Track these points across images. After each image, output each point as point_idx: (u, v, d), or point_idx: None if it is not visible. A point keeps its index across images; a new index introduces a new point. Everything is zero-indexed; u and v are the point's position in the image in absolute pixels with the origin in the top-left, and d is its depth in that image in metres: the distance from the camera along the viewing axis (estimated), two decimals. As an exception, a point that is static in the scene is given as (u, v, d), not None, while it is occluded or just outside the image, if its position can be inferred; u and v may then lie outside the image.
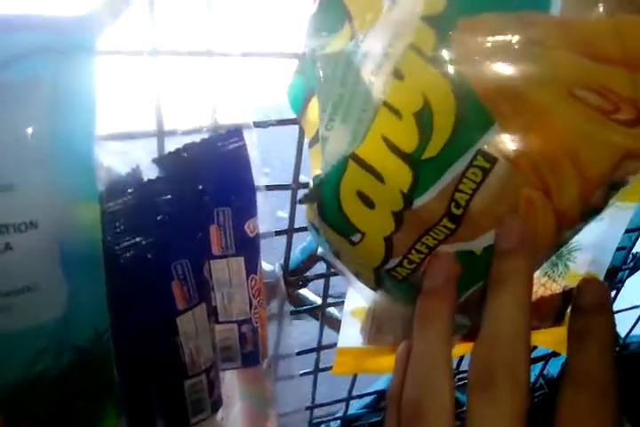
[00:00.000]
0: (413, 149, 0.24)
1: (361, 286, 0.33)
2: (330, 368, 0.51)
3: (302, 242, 0.49)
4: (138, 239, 0.28)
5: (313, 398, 0.56)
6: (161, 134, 0.29)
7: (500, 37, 0.23)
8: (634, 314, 0.73)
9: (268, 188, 0.33)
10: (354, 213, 0.27)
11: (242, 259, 0.34)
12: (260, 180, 0.32)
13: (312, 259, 0.46)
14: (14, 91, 0.21)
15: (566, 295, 0.52)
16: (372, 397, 0.64)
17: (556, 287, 0.52)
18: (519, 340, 0.22)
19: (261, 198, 0.33)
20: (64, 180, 0.23)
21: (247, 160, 0.31)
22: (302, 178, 0.36)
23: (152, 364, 0.33)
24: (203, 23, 0.27)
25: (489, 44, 0.24)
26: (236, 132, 0.30)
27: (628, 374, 0.23)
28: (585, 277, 0.27)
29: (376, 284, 0.31)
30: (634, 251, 0.65)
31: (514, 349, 0.22)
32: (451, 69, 0.23)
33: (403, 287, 0.29)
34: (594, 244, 0.50)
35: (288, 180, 0.36)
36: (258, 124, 0.31)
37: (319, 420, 0.60)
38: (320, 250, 0.43)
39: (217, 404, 0.39)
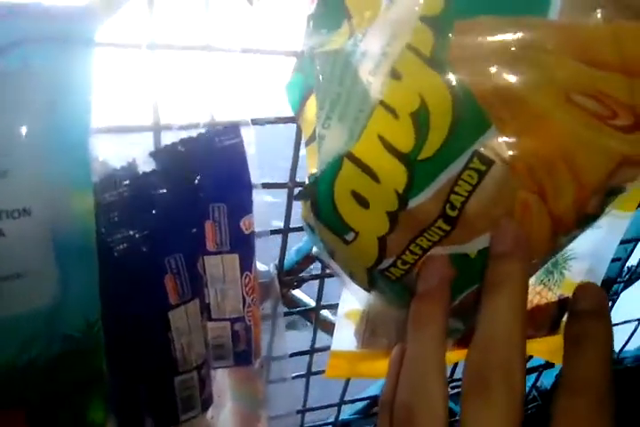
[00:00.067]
0: (409, 149, 0.24)
1: (355, 287, 0.33)
2: (323, 372, 0.51)
3: (298, 243, 0.49)
4: (132, 232, 0.28)
5: (305, 402, 0.56)
6: (157, 128, 0.29)
7: (497, 40, 0.24)
8: (628, 328, 0.73)
9: (265, 185, 0.33)
10: (348, 212, 0.27)
11: (236, 256, 0.34)
12: (256, 177, 0.33)
13: (307, 260, 0.46)
14: (10, 78, 0.21)
15: (562, 304, 0.52)
16: (364, 402, 0.63)
17: (552, 296, 0.52)
18: (514, 343, 0.22)
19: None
20: (58, 169, 0.23)
21: (244, 156, 0.31)
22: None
23: (143, 358, 0.33)
24: (202, 18, 0.27)
25: (487, 47, 0.24)
26: (233, 128, 0.30)
27: (622, 390, 0.23)
28: (581, 283, 0.27)
29: (369, 284, 0.31)
30: (629, 264, 0.65)
31: (509, 352, 0.22)
32: (448, 71, 0.24)
33: (396, 288, 0.29)
34: (590, 253, 0.50)
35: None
36: (255, 122, 0.32)
37: (310, 425, 0.60)
38: (315, 249, 0.43)
39: (207, 402, 0.39)
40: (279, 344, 0.45)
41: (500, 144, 0.23)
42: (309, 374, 0.52)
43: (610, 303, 0.66)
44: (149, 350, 0.33)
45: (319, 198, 0.28)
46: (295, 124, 0.34)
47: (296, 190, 0.35)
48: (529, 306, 0.51)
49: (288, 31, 0.30)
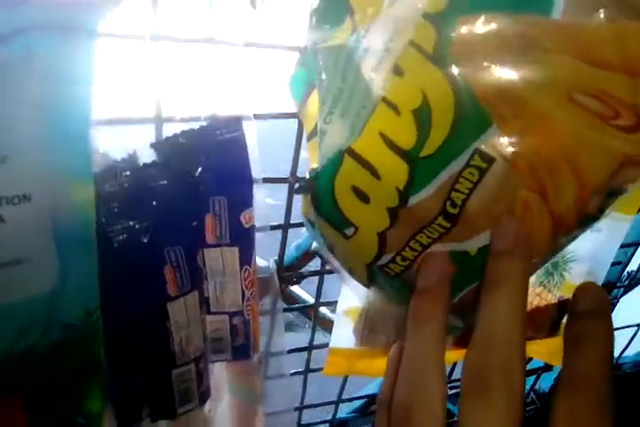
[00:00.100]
0: (411, 145, 0.25)
1: (355, 284, 0.33)
2: (321, 369, 0.51)
3: (298, 239, 0.49)
4: (132, 223, 0.29)
5: (302, 400, 0.56)
6: (159, 121, 0.30)
7: (500, 39, 0.24)
8: (627, 334, 0.73)
9: (266, 180, 0.33)
10: (348, 207, 0.27)
11: (236, 249, 0.34)
12: (257, 172, 0.33)
13: (307, 256, 0.47)
14: (12, 66, 0.21)
15: (561, 306, 0.52)
16: (362, 401, 0.63)
17: (551, 298, 0.52)
18: (514, 342, 0.22)
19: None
20: (59, 157, 0.24)
21: (245, 150, 0.31)
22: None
23: (141, 349, 0.33)
24: (206, 10, 0.27)
25: (489, 45, 0.24)
26: (235, 121, 0.30)
27: (621, 395, 0.23)
28: (583, 282, 0.27)
29: (369, 280, 0.31)
30: (629, 269, 0.65)
31: (508, 351, 0.22)
32: (451, 68, 0.24)
33: (395, 285, 0.29)
34: (590, 255, 0.50)
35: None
36: (258, 116, 0.32)
37: (308, 422, 0.60)
38: (315, 245, 0.44)
39: (205, 395, 0.39)
40: (277, 340, 0.45)
41: (502, 142, 0.23)
42: (307, 371, 0.52)
43: (609, 307, 0.66)
44: (147, 341, 0.33)
45: (319, 193, 0.28)
46: (296, 124, 0.34)
47: (297, 186, 0.36)
48: (528, 307, 0.51)
49: (291, 26, 0.30)
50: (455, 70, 0.23)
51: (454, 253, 0.26)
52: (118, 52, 0.27)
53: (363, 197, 0.27)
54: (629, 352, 0.78)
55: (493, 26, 0.24)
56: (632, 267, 0.65)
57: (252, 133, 0.31)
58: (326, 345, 0.48)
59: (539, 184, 0.23)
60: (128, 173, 0.28)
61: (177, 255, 0.31)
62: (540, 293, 0.52)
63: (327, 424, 0.61)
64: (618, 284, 0.65)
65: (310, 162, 0.31)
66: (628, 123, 0.23)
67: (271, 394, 0.47)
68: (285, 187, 0.37)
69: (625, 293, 0.69)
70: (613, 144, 0.23)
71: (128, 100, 0.29)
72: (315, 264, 0.47)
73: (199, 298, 0.34)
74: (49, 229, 0.25)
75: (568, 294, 0.51)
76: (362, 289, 0.33)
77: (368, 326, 0.46)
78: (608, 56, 0.23)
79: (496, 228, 0.24)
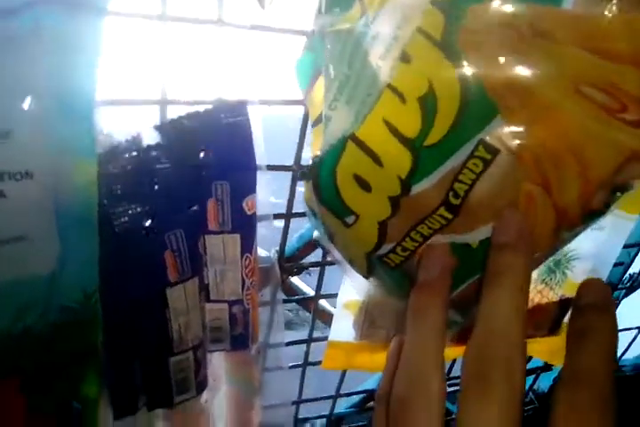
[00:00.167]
0: (415, 134, 0.24)
1: (356, 276, 0.33)
2: (319, 363, 0.51)
3: (300, 230, 0.49)
4: (133, 206, 0.28)
5: (300, 393, 0.55)
6: (164, 103, 0.29)
7: (509, 28, 0.23)
8: (627, 336, 0.73)
9: (269, 167, 0.33)
10: (350, 194, 0.27)
11: (237, 236, 0.34)
12: (261, 158, 0.32)
13: (308, 247, 0.46)
14: (20, 38, 0.21)
15: (563, 304, 0.52)
16: (360, 396, 0.63)
17: (553, 296, 0.52)
18: (514, 337, 0.22)
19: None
20: (63, 134, 0.23)
21: (250, 135, 0.31)
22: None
23: (138, 335, 0.33)
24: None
25: (498, 34, 0.23)
26: (240, 105, 0.30)
27: (621, 398, 0.23)
28: (586, 279, 0.26)
29: (368, 271, 0.31)
30: (631, 271, 0.65)
31: (509, 346, 0.22)
32: (458, 56, 0.23)
33: (395, 276, 0.29)
34: (593, 254, 0.50)
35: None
36: (263, 102, 0.32)
37: (305, 417, 0.59)
38: (316, 234, 0.43)
39: (202, 385, 0.38)
40: (276, 332, 0.45)
41: (507, 133, 0.23)
42: (306, 364, 0.52)
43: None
44: (145, 327, 0.33)
45: (321, 180, 0.28)
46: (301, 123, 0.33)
47: (299, 172, 0.35)
48: (529, 304, 0.51)
49: (299, 10, 0.30)
50: (463, 59, 0.23)
51: (455, 246, 0.25)
52: (126, 31, 0.27)
53: (364, 185, 0.27)
54: (629, 355, 0.78)
55: (503, 15, 0.24)
56: (634, 269, 0.65)
57: (258, 119, 0.31)
58: (325, 338, 0.48)
59: (543, 177, 0.23)
60: (131, 154, 0.27)
61: (178, 240, 0.30)
62: (542, 290, 0.52)
63: (324, 419, 0.61)
64: (619, 285, 0.65)
65: (314, 149, 0.31)
66: (635, 117, 0.22)
67: (269, 387, 0.46)
68: (288, 187, 0.37)
69: (626, 295, 0.69)
70: (620, 138, 0.23)
71: (133, 80, 0.29)
72: (316, 256, 0.47)
73: (199, 285, 0.34)
74: (50, 209, 0.24)
75: (570, 293, 0.51)
76: (362, 282, 0.33)
77: (368, 319, 0.46)
78: (618, 48, 0.22)
79: (499, 220, 0.24)
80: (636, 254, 0.61)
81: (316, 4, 0.28)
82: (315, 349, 0.51)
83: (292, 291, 0.50)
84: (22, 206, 0.23)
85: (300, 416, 0.58)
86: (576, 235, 0.27)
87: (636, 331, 0.73)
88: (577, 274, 0.50)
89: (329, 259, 0.43)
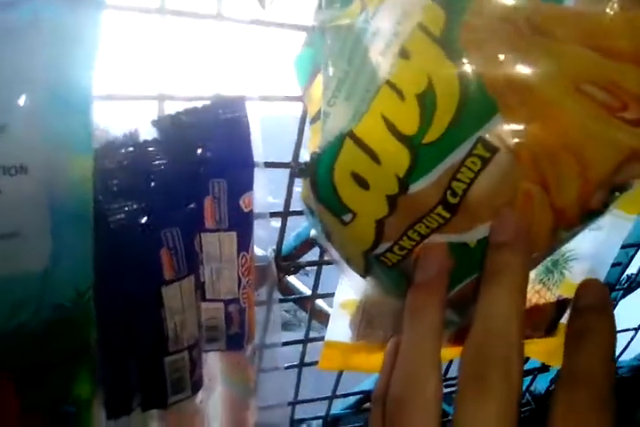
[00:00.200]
0: (414, 131, 0.24)
1: (352, 275, 0.32)
2: (316, 363, 0.50)
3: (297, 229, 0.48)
4: (129, 202, 0.28)
5: (297, 394, 0.55)
6: (161, 98, 0.29)
7: (510, 25, 0.23)
8: (624, 338, 0.73)
9: (267, 165, 0.33)
10: (347, 192, 0.27)
11: (234, 234, 0.33)
12: (259, 155, 0.32)
13: (305, 245, 0.46)
14: (19, 30, 0.21)
15: (560, 305, 0.52)
16: (356, 397, 0.63)
17: (550, 296, 0.52)
18: (512, 337, 0.22)
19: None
20: (59, 127, 0.23)
21: (248, 131, 0.31)
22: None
23: (133, 334, 0.32)
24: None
25: (498, 31, 0.23)
26: (238, 101, 0.30)
27: (618, 400, 0.22)
28: (585, 279, 0.26)
29: (365, 270, 0.30)
30: (629, 272, 0.65)
31: (506, 346, 0.21)
32: (458, 53, 0.23)
33: (392, 275, 0.28)
34: (591, 254, 0.50)
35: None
36: (262, 98, 0.31)
37: (301, 418, 0.59)
38: (313, 232, 0.43)
39: (197, 385, 0.38)
40: (272, 332, 0.44)
41: (506, 131, 0.23)
42: (302, 364, 0.51)
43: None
44: (140, 326, 0.32)
45: (319, 177, 0.28)
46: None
47: (297, 169, 0.35)
48: (527, 304, 0.51)
49: (300, 5, 0.30)
50: (463, 56, 0.23)
51: (453, 245, 0.25)
52: (124, 25, 0.26)
53: (362, 183, 0.26)
54: (626, 356, 0.78)
55: (504, 11, 0.23)
56: (632, 270, 0.65)
57: (256, 115, 0.31)
58: (322, 339, 0.48)
59: (541, 176, 0.23)
60: (128, 150, 0.27)
61: (174, 237, 0.30)
62: (540, 290, 0.51)
63: (320, 420, 0.61)
64: (617, 286, 0.65)
65: (312, 146, 0.30)
66: (635, 116, 0.22)
67: (265, 387, 0.46)
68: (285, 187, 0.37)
69: (624, 296, 0.69)
70: (619, 137, 0.22)
71: (131, 75, 0.29)
72: (314, 255, 0.46)
73: (195, 284, 0.33)
74: (44, 204, 0.24)
75: (567, 294, 0.51)
76: (360, 281, 0.32)
77: (365, 319, 0.46)
78: (619, 46, 0.22)
79: (497, 219, 0.24)
80: (634, 255, 0.61)
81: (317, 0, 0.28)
82: (312, 349, 0.51)
83: (288, 290, 0.50)
84: (16, 202, 0.23)
85: (296, 417, 0.58)
86: (574, 235, 0.26)
87: (634, 332, 0.73)
88: (575, 274, 0.50)
89: (326, 258, 0.43)
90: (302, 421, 0.60)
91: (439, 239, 0.25)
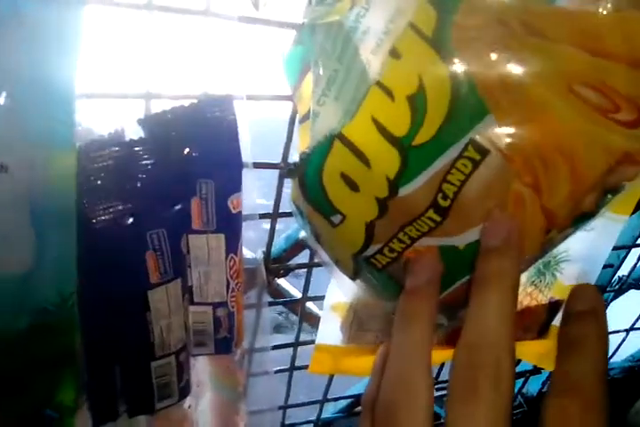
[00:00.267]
0: (404, 133, 0.24)
1: (342, 277, 0.32)
2: (307, 367, 0.50)
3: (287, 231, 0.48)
4: (114, 203, 0.27)
5: (287, 398, 0.54)
6: (147, 96, 0.29)
7: (502, 25, 0.23)
8: (616, 339, 0.73)
9: (256, 165, 0.32)
10: (336, 194, 0.27)
11: (222, 236, 0.33)
12: (247, 155, 0.31)
13: (296, 248, 0.45)
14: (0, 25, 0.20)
15: (552, 307, 0.52)
16: (348, 401, 0.62)
17: (542, 298, 0.52)
18: (503, 341, 0.21)
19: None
20: (39, 126, 0.22)
21: (236, 131, 0.30)
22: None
23: (118, 340, 0.32)
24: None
25: (490, 31, 0.23)
26: (226, 100, 0.29)
27: (609, 401, 0.22)
28: (577, 284, 0.26)
29: (354, 273, 0.30)
30: (620, 274, 0.65)
31: (497, 350, 0.21)
32: (449, 53, 0.23)
33: (381, 278, 0.28)
34: (582, 256, 0.50)
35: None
36: (251, 97, 0.31)
37: (292, 422, 0.58)
38: (303, 234, 0.42)
39: (185, 390, 0.37)
40: (262, 335, 0.44)
41: (497, 133, 0.22)
42: (292, 368, 0.51)
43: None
44: (126, 330, 0.31)
45: (307, 178, 0.27)
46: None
47: (286, 169, 0.35)
48: (518, 307, 0.51)
49: (289, 2, 0.29)
50: (454, 56, 0.23)
51: (442, 248, 0.25)
52: (110, 21, 0.26)
53: (352, 184, 0.26)
54: (618, 358, 0.78)
55: (496, 11, 0.23)
56: (623, 272, 0.65)
57: (244, 114, 0.30)
58: (313, 342, 0.47)
59: (533, 178, 0.23)
60: (113, 149, 0.26)
61: (160, 239, 0.29)
62: (531, 292, 0.51)
63: (311, 424, 0.60)
64: (608, 288, 0.65)
65: (301, 146, 0.30)
66: (628, 118, 0.22)
67: (255, 391, 0.46)
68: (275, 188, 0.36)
69: (615, 297, 0.69)
70: (612, 139, 0.22)
71: (117, 73, 0.28)
72: (304, 258, 0.46)
73: (182, 286, 0.33)
74: (25, 204, 0.23)
75: (559, 295, 0.51)
76: (350, 284, 0.32)
77: (356, 322, 0.45)
78: (612, 47, 0.22)
79: (487, 223, 0.23)
80: (626, 257, 0.61)
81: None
82: (303, 352, 0.51)
83: (278, 293, 0.49)
84: (-4, 202, 0.22)
85: (287, 422, 0.57)
86: (566, 237, 0.26)
87: (625, 333, 0.73)
88: (566, 276, 0.50)
89: (316, 260, 0.42)
90: (293, 425, 0.59)
91: (429, 242, 0.25)
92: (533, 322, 0.53)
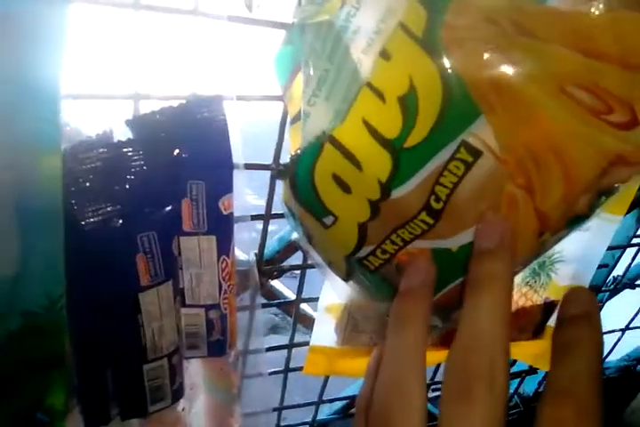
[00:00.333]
0: (395, 135, 0.23)
1: (335, 279, 0.32)
2: (301, 368, 0.49)
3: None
4: (103, 205, 0.27)
5: (282, 400, 0.54)
6: (136, 97, 0.28)
7: (493, 25, 0.23)
8: (611, 338, 0.73)
9: (247, 166, 0.32)
10: (328, 195, 0.26)
11: (214, 238, 0.32)
12: (238, 156, 0.31)
13: (289, 249, 0.45)
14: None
15: (547, 307, 0.52)
16: (343, 402, 0.62)
17: (537, 298, 0.52)
18: (497, 343, 0.21)
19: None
20: (24, 127, 0.22)
21: (226, 132, 0.30)
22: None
23: (109, 343, 0.31)
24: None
25: (481, 31, 0.23)
26: (216, 100, 0.29)
27: (605, 401, 0.22)
28: (571, 287, 0.26)
29: (347, 274, 0.30)
30: (615, 274, 0.65)
31: (492, 352, 0.21)
32: (440, 54, 0.22)
33: (374, 279, 0.28)
34: (577, 256, 0.50)
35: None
36: (241, 98, 0.30)
37: (287, 424, 0.58)
38: (295, 236, 0.42)
39: (178, 393, 0.37)
40: (256, 337, 0.44)
41: (490, 134, 0.22)
42: (287, 370, 0.51)
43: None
44: (117, 334, 0.31)
45: (299, 179, 0.27)
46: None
47: (277, 170, 0.34)
48: (513, 307, 0.51)
49: (279, 2, 0.29)
50: (445, 57, 0.22)
51: (436, 251, 0.25)
52: (97, 20, 0.25)
53: (344, 186, 0.26)
54: (613, 357, 0.79)
55: (486, 10, 0.23)
56: (618, 272, 0.65)
57: (235, 115, 0.30)
58: (307, 344, 0.47)
59: (525, 180, 0.22)
60: (101, 150, 0.26)
61: (151, 242, 0.29)
62: (526, 293, 0.51)
63: (307, 426, 0.60)
64: (603, 288, 0.65)
65: (292, 147, 0.30)
66: (621, 119, 0.22)
67: (249, 393, 0.45)
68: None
69: (610, 297, 0.69)
70: (604, 141, 0.22)
71: (106, 73, 0.28)
72: (298, 259, 0.45)
73: (173, 289, 0.32)
74: (11, 206, 0.23)
75: (554, 296, 0.51)
76: (343, 285, 0.32)
77: (351, 323, 0.45)
78: (604, 47, 0.22)
79: (481, 225, 0.23)
80: (620, 257, 0.61)
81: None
82: (298, 354, 0.50)
83: (272, 295, 0.49)
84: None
85: (283, 424, 0.57)
86: (560, 239, 0.26)
87: (620, 333, 0.73)
88: (561, 276, 0.50)
89: (310, 262, 0.42)
90: (288, 427, 0.59)
91: (422, 245, 0.25)
92: (528, 323, 0.52)
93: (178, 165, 0.29)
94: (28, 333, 0.26)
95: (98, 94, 0.28)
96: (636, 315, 0.71)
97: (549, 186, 0.22)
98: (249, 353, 0.44)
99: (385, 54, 0.24)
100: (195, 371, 0.40)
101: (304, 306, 0.49)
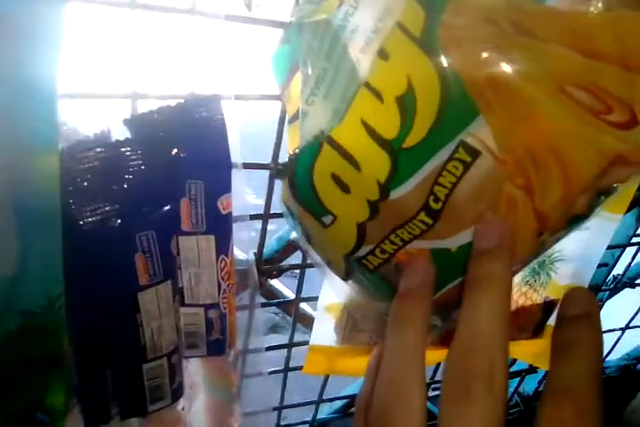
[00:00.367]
0: (394, 135, 0.23)
1: (334, 278, 0.32)
2: (301, 368, 0.49)
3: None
4: (101, 204, 0.27)
5: (282, 399, 0.54)
6: (134, 96, 0.28)
7: (491, 25, 0.23)
8: (611, 337, 0.73)
9: (246, 166, 0.32)
10: (327, 195, 0.26)
11: (212, 237, 0.32)
12: (237, 156, 0.31)
13: (288, 248, 0.45)
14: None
15: (547, 307, 0.52)
16: (343, 401, 0.62)
17: (537, 297, 0.51)
18: (496, 343, 0.21)
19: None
20: (21, 127, 0.22)
21: (224, 131, 0.30)
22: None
23: (109, 342, 0.31)
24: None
25: (480, 31, 0.23)
26: (214, 99, 0.29)
27: (605, 400, 0.22)
28: (571, 287, 0.26)
29: (346, 273, 0.30)
30: (615, 273, 0.65)
31: (491, 352, 0.21)
32: (438, 54, 0.22)
33: (374, 279, 0.28)
34: (577, 255, 0.50)
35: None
36: (239, 97, 0.30)
37: (287, 423, 0.58)
38: (294, 235, 0.42)
39: (178, 392, 0.37)
40: (255, 337, 0.44)
41: (488, 134, 0.22)
42: (287, 369, 0.51)
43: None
44: (116, 333, 0.31)
45: (297, 178, 0.27)
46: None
47: (275, 170, 0.34)
48: (513, 306, 0.51)
49: (277, 1, 0.29)
50: (443, 56, 0.22)
51: (434, 251, 0.25)
52: (94, 19, 0.25)
53: (342, 186, 0.26)
54: (613, 356, 0.78)
55: (485, 10, 0.23)
56: (618, 271, 0.65)
57: (233, 114, 0.30)
58: (307, 343, 0.47)
59: (524, 180, 0.22)
60: (99, 149, 0.26)
61: (149, 241, 0.29)
62: (526, 292, 0.51)
63: (307, 425, 0.60)
64: (603, 287, 0.65)
65: (290, 146, 0.30)
66: (620, 119, 0.22)
67: (249, 393, 0.45)
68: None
69: (610, 296, 0.69)
70: (604, 141, 0.22)
71: (104, 72, 0.28)
72: (297, 258, 0.45)
73: (172, 288, 0.32)
74: (8, 205, 0.23)
75: (554, 295, 0.51)
76: (342, 284, 0.32)
77: (350, 322, 0.45)
78: (603, 47, 0.22)
79: (479, 226, 0.23)
80: (620, 256, 0.61)
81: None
82: (297, 353, 0.50)
83: (271, 294, 0.49)
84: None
85: (283, 423, 0.57)
86: (559, 239, 0.26)
87: (620, 332, 0.73)
88: (561, 275, 0.50)
89: (309, 261, 0.42)
90: (289, 426, 0.59)
91: (421, 245, 0.25)
92: (528, 322, 0.52)
93: (176, 164, 0.29)
94: (27, 332, 0.26)
95: (95, 94, 0.28)
96: (636, 314, 0.71)
97: (548, 186, 0.22)
98: (248, 352, 0.44)
99: (383, 54, 0.24)
100: (194, 370, 0.40)
101: (303, 305, 0.49)
